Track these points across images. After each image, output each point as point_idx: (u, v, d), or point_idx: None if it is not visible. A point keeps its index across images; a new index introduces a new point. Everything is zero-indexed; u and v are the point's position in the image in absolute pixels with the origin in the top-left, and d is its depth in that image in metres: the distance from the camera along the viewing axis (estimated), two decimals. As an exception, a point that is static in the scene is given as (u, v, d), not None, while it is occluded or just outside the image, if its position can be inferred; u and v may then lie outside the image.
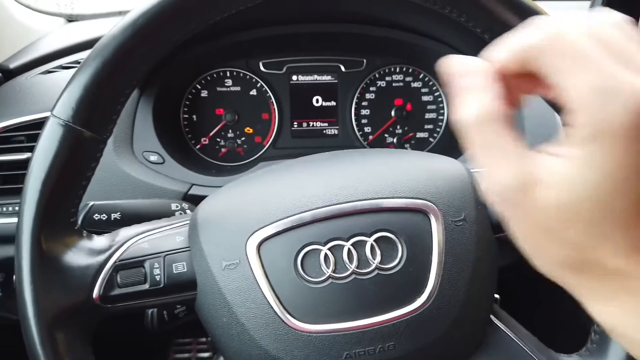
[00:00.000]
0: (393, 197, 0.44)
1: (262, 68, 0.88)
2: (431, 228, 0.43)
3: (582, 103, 0.22)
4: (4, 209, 0.70)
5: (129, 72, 0.42)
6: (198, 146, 0.89)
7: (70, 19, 1.04)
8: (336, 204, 0.43)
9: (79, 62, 0.81)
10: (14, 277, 0.71)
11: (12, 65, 0.82)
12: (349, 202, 0.44)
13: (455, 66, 0.27)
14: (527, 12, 0.43)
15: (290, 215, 0.43)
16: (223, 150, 0.89)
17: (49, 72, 0.81)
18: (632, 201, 0.23)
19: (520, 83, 0.27)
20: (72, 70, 0.79)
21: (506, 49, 0.26)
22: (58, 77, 0.79)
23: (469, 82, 0.26)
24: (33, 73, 0.81)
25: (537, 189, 0.24)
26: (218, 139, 0.89)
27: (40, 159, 0.41)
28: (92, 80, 0.41)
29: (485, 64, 0.27)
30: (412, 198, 0.44)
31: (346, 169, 0.47)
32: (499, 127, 0.25)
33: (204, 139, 0.89)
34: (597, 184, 0.23)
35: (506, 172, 0.25)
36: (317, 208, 0.43)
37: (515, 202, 0.25)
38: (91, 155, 0.43)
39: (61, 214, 0.43)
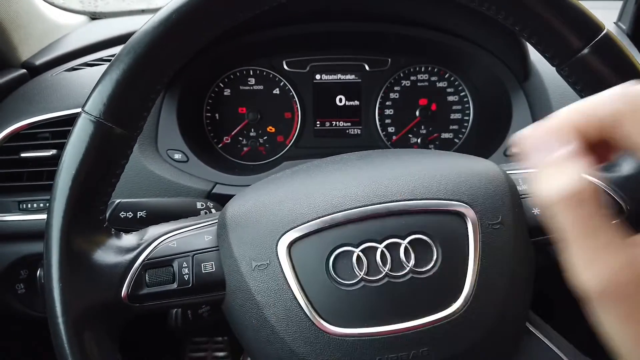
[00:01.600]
0: (428, 199, 0.43)
1: (285, 67, 0.87)
2: (467, 231, 0.42)
3: None
4: (29, 205, 0.70)
5: (160, 69, 0.42)
6: (220, 145, 0.88)
7: (94, 16, 1.04)
8: (369, 205, 0.42)
9: (103, 60, 0.81)
10: (38, 273, 0.71)
11: (37, 62, 0.83)
12: (382, 203, 0.42)
13: (532, 138, 0.24)
14: (567, 10, 0.42)
15: (322, 216, 0.42)
16: (245, 149, 0.89)
17: (73, 69, 0.81)
18: None
19: (594, 152, 0.24)
20: (97, 68, 0.79)
21: (583, 114, 0.23)
22: (83, 75, 0.79)
23: (552, 155, 0.23)
24: (58, 70, 0.81)
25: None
26: (240, 138, 0.89)
27: (71, 155, 0.41)
28: (123, 77, 0.40)
29: (567, 132, 0.23)
30: (448, 200, 0.43)
31: (379, 169, 0.46)
32: (594, 208, 0.21)
33: (226, 137, 0.88)
34: None
35: (613, 265, 0.21)
36: (350, 209, 0.42)
37: (629, 299, 0.21)
38: (121, 152, 0.43)
39: (91, 211, 0.42)
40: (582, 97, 0.46)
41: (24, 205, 0.70)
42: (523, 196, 0.46)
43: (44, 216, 0.70)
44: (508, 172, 0.48)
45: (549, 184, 0.22)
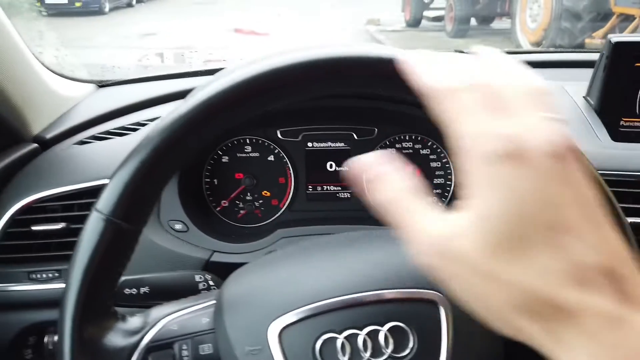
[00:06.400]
0: (405, 288, 0.47)
1: (279, 136, 0.93)
2: (440, 317, 0.47)
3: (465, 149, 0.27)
4: (38, 275, 0.74)
5: (166, 171, 0.47)
6: (218, 209, 0.93)
7: (101, 84, 1.11)
8: (352, 294, 0.47)
9: (110, 132, 0.87)
10: (45, 339, 0.75)
11: (48, 136, 0.88)
12: (364, 292, 0.47)
13: (359, 164, 0.32)
14: None
15: (310, 304, 0.47)
16: (242, 212, 0.94)
17: (82, 142, 0.87)
18: (542, 220, 0.25)
19: None
20: (104, 142, 0.85)
21: None
22: (91, 148, 0.85)
23: (374, 173, 0.31)
24: (67, 144, 0.87)
25: (455, 240, 0.27)
26: (237, 202, 0.94)
27: (83, 251, 0.45)
28: (131, 180, 0.45)
29: (382, 155, 0.32)
30: (422, 288, 0.47)
31: (362, 257, 0.51)
32: (413, 198, 0.30)
33: (224, 201, 0.94)
34: (501, 215, 0.25)
35: (428, 231, 0.28)
36: (334, 297, 0.47)
37: (443, 255, 0.28)
38: (130, 245, 0.47)
39: (100, 301, 0.46)
40: None
41: (34, 276, 0.74)
42: None
43: (52, 286, 0.75)
44: None
45: (379, 193, 0.30)
